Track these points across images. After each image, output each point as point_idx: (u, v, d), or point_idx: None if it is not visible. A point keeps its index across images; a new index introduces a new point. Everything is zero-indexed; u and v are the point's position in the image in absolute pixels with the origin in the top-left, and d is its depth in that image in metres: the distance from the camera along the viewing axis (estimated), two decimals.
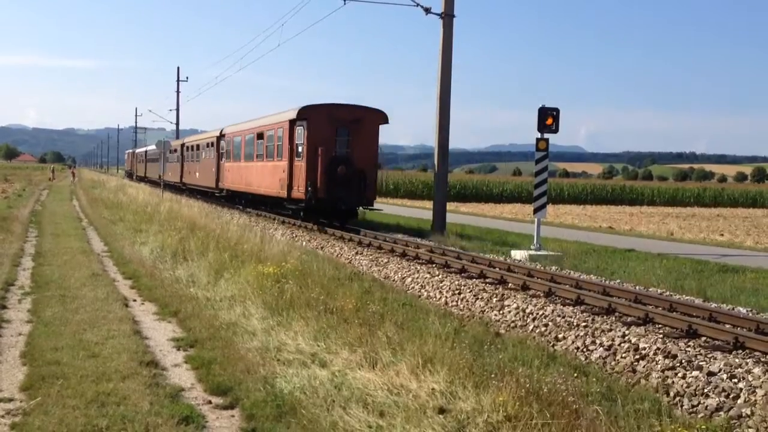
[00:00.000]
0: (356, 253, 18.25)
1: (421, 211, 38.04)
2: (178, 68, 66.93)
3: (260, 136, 28.19)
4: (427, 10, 22.31)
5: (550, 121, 18.27)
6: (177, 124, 66.43)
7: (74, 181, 73.33)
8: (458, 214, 37.32)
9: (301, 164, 23.57)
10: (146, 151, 65.81)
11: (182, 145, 46.62)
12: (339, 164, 22.84)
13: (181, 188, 46.18)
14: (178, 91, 66.13)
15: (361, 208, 24.31)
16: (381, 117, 24.32)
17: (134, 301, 11.51)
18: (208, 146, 38.26)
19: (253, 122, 30.38)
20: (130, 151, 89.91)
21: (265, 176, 27.10)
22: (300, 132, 23.74)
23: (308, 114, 23.57)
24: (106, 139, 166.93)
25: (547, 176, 19.16)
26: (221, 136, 35.06)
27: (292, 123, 24.09)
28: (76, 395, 6.56)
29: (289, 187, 24.41)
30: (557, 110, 18.42)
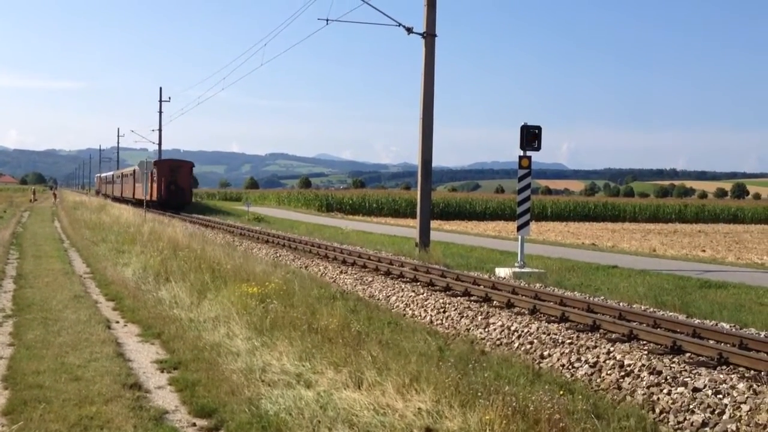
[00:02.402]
0: (341, 272, 18.22)
1: (396, 228, 38.07)
2: (161, 89, 67.04)
3: (144, 171, 53.04)
4: (410, 30, 22.46)
5: (533, 137, 18.41)
6: (159, 144, 66.25)
7: (56, 203, 72.78)
8: (442, 232, 37.37)
9: (155, 185, 53.13)
10: (105, 176, 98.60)
11: (122, 174, 74.81)
12: (171, 185, 53.61)
13: (119, 199, 71.51)
14: (160, 112, 66.10)
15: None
16: (191, 164, 57.55)
17: (117, 322, 11.42)
18: (131, 174, 64.34)
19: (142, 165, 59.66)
20: (98, 174, 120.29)
21: (144, 190, 50.71)
22: (155, 171, 52.09)
23: (159, 164, 54.06)
24: (88, 159, 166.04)
25: (531, 193, 19.24)
26: (135, 171, 60.38)
27: (153, 166, 46.90)
28: (58, 419, 6.48)
29: (151, 195, 51.19)
30: (539, 128, 18.53)
